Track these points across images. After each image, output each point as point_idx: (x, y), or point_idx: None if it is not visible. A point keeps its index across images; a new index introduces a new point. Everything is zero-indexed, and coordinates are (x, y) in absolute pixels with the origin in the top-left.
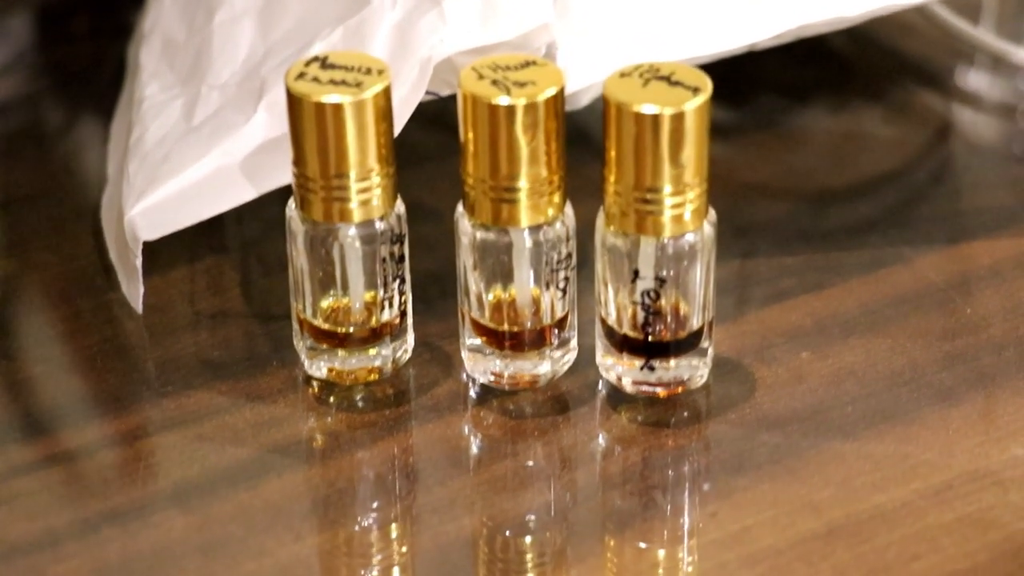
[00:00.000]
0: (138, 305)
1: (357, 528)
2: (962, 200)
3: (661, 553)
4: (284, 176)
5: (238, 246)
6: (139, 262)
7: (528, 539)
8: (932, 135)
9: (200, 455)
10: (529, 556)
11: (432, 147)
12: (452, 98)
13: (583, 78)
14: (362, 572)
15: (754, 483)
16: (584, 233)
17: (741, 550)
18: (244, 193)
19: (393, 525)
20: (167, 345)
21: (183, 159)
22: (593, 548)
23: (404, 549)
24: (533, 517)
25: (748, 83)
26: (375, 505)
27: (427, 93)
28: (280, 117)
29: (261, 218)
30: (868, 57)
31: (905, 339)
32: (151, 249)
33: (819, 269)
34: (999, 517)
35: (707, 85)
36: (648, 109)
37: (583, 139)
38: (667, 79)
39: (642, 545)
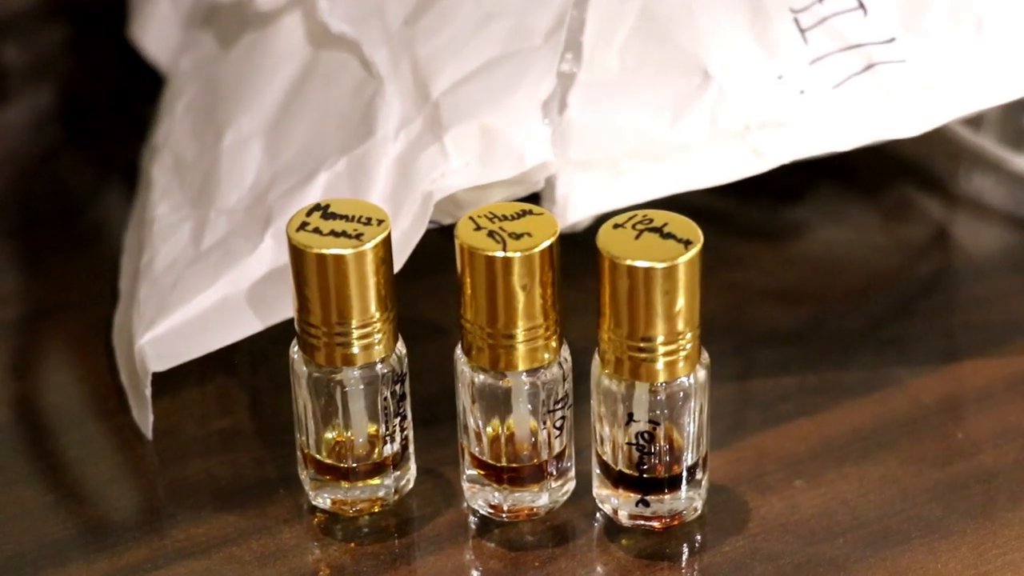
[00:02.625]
0: (148, 432)
1: None
2: (955, 315)
3: None
4: (289, 308)
5: (247, 363)
6: (149, 392)
7: None
8: (928, 243)
9: None
10: None
11: (434, 257)
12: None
13: (583, 208)
14: None
15: None
16: (585, 351)
17: None
18: (250, 325)
19: None
20: (177, 470)
21: (191, 287)
22: None
23: None
24: None
25: (743, 184)
26: None
27: (429, 222)
28: (285, 247)
29: (268, 335)
30: (866, 160)
31: (897, 466)
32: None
33: (813, 391)
34: None
35: (698, 237)
36: (641, 263)
37: (582, 252)
38: (659, 231)
39: None
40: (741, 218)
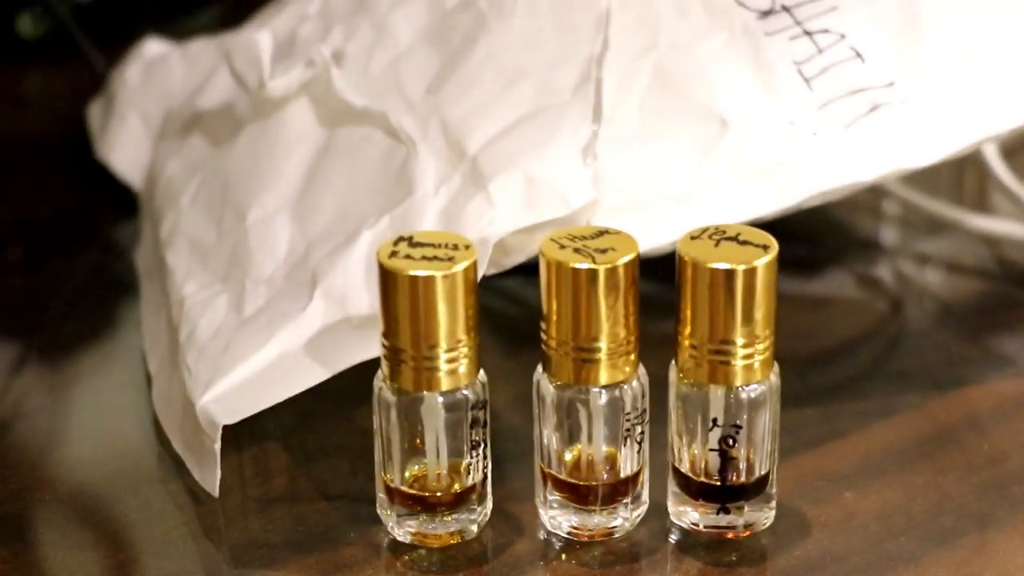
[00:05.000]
0: (215, 489)
1: None
2: (950, 351)
3: None
4: (351, 356)
5: (278, 434)
6: (217, 447)
7: None
8: (898, 301)
9: None
10: None
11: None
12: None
13: None
14: None
15: None
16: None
17: None
18: (314, 375)
19: None
20: (241, 526)
21: (244, 348)
22: None
23: None
24: None
25: None
26: None
27: None
28: (337, 303)
29: (313, 393)
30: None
31: (936, 474)
32: None
33: (839, 417)
34: None
35: (774, 244)
36: (723, 265)
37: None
38: (735, 239)
39: None
40: None
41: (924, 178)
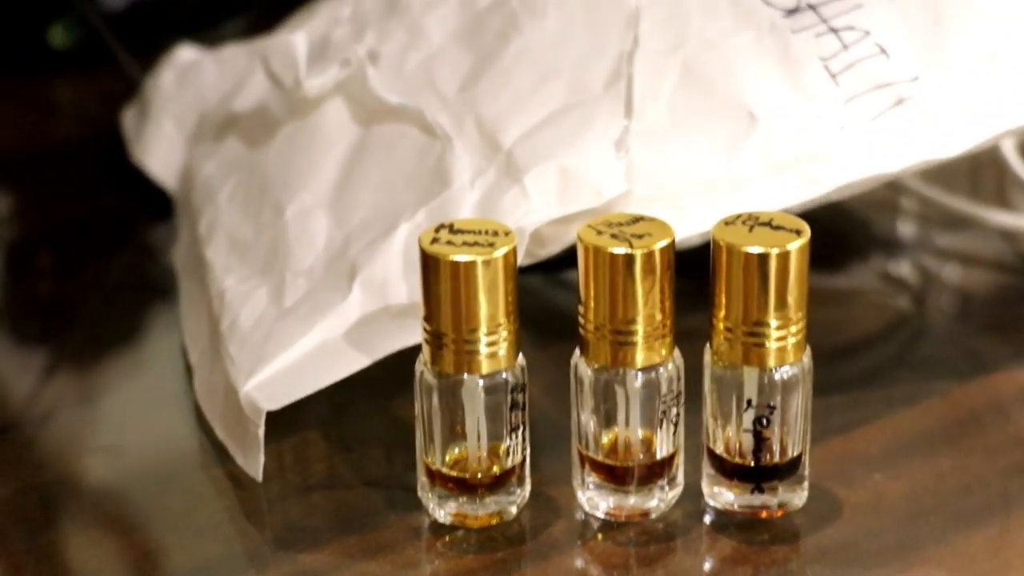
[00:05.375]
0: (259, 474)
1: None
2: (970, 341)
3: None
4: (390, 344)
5: (316, 425)
6: (261, 432)
7: None
8: (920, 295)
9: None
10: None
11: None
12: None
13: None
14: None
15: None
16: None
17: None
18: (355, 362)
19: None
20: (283, 509)
21: (285, 337)
22: None
23: None
24: None
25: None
26: None
27: None
28: (376, 293)
29: (347, 384)
30: (848, 230)
31: (963, 456)
32: None
33: (868, 404)
34: None
35: (806, 228)
36: (757, 249)
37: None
38: (769, 224)
39: None
40: None
41: (943, 175)
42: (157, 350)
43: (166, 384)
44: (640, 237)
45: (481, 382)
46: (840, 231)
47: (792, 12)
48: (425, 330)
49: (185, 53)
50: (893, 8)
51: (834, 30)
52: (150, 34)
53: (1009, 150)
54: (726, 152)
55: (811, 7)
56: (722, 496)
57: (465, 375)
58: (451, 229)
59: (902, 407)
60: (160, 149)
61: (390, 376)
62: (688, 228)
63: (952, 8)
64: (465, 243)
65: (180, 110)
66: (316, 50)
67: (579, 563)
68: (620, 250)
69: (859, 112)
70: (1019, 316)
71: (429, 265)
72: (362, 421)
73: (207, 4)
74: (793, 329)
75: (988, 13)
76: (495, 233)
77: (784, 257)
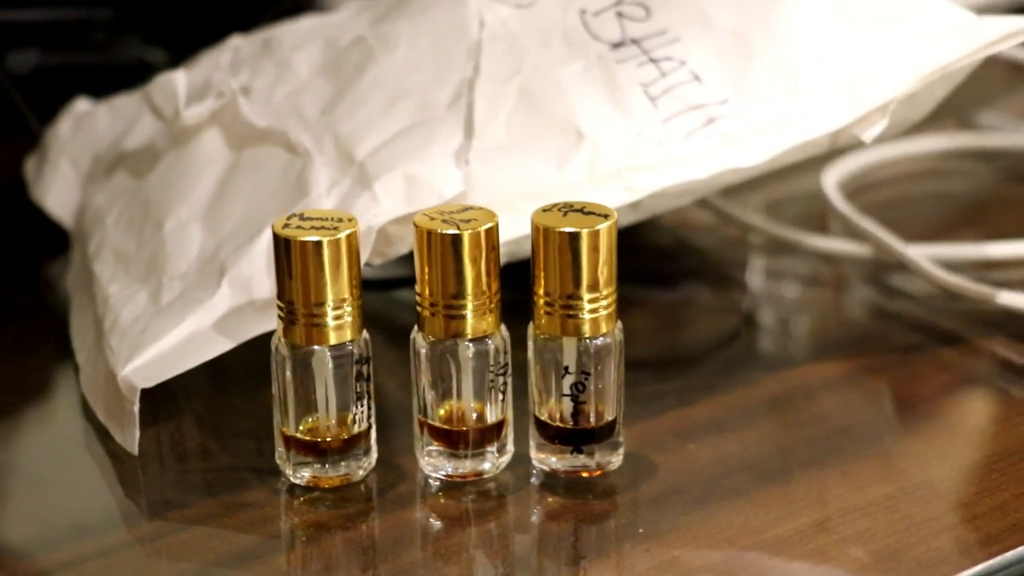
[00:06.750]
0: (134, 448)
1: None
2: (784, 335)
3: None
4: (253, 330)
5: (191, 413)
6: (136, 408)
7: None
8: (747, 307)
9: (212, 545)
10: None
11: None
12: None
13: None
14: None
15: (676, 527)
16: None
17: (672, 572)
18: (221, 345)
19: None
20: (157, 481)
21: (160, 328)
22: None
23: None
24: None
25: None
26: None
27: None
28: (242, 289)
29: (200, 371)
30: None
31: (772, 431)
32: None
33: (686, 391)
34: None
35: (613, 213)
36: (569, 229)
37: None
38: (581, 211)
39: None
40: None
41: (775, 209)
42: (51, 358)
43: (55, 382)
44: (467, 221)
45: (329, 352)
46: (680, 255)
47: (617, 45)
48: (279, 307)
49: (81, 104)
50: (707, 41)
51: (654, 60)
52: (56, 96)
53: (831, 186)
54: (556, 164)
55: (634, 41)
56: (548, 461)
57: (315, 347)
58: (301, 217)
59: (721, 393)
60: (57, 189)
61: (263, 373)
62: (521, 228)
63: (760, 42)
64: (313, 227)
65: (76, 153)
66: (196, 90)
67: (420, 516)
68: (450, 231)
69: (674, 130)
70: (831, 322)
71: (280, 246)
72: (232, 411)
73: (108, 70)
74: (604, 303)
75: (791, 47)
76: (339, 220)
77: (594, 235)
